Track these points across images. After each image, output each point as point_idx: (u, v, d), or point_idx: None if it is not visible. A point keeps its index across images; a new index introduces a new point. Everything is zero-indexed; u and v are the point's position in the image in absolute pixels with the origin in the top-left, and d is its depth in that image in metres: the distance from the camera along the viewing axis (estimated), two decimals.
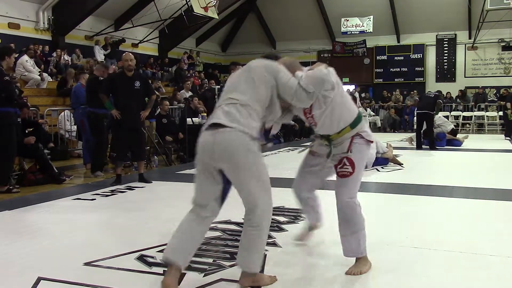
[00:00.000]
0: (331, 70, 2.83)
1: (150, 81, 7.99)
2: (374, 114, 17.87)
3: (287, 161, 8.28)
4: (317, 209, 3.35)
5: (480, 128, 17.19)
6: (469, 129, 16.82)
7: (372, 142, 3.01)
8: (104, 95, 6.24)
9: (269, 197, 2.59)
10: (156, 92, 10.28)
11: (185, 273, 2.89)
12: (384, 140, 12.05)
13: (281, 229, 3.92)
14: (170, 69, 16.94)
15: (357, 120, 2.91)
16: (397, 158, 8.50)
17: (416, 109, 11.48)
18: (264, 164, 2.57)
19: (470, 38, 18.97)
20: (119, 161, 6.35)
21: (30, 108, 8.45)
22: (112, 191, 5.81)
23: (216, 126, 2.47)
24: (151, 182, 6.26)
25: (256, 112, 2.54)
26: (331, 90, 2.77)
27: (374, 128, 17.11)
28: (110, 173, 7.17)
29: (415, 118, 16.05)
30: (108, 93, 6.24)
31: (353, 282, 2.81)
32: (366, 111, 17.25)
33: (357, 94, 17.43)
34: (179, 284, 2.61)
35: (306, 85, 2.65)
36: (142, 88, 6.24)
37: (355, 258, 2.95)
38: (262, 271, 2.95)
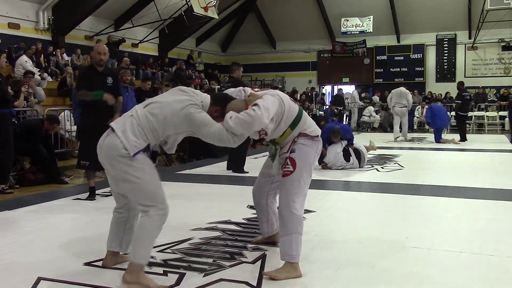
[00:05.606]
0: (271, 96, 2.89)
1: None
2: (376, 114, 17.54)
3: None
4: (272, 220, 3.35)
5: (480, 128, 17.19)
6: (469, 129, 16.81)
7: (317, 136, 3.05)
8: (84, 91, 5.25)
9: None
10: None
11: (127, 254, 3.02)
12: (385, 140, 12.13)
13: None
14: (170, 69, 16.93)
15: (297, 119, 2.99)
16: (396, 158, 8.56)
17: (459, 111, 12.50)
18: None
19: (470, 38, 18.95)
20: (91, 172, 5.42)
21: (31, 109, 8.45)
22: None
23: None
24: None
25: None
26: (269, 125, 2.84)
27: (373, 128, 17.12)
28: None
29: (415, 116, 16.20)
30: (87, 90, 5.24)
31: (353, 283, 2.81)
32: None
33: (356, 93, 17.44)
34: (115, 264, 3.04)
35: (233, 127, 2.73)
36: (114, 85, 5.39)
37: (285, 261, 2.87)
38: (262, 270, 2.96)
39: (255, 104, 2.79)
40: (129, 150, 2.68)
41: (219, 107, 2.88)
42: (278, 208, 2.97)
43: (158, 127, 2.75)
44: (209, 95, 2.96)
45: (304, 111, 3.12)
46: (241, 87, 3.16)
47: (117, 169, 2.73)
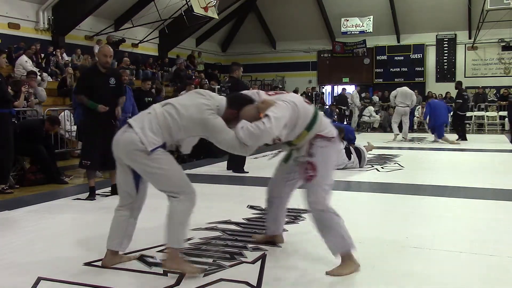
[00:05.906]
0: (283, 102, 2.87)
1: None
2: (376, 114, 17.50)
3: None
4: (280, 220, 3.40)
5: (480, 128, 17.20)
6: (469, 129, 16.83)
7: (333, 137, 3.04)
8: (83, 96, 5.26)
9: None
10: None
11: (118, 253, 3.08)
12: (385, 140, 12.14)
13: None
14: (170, 69, 16.94)
15: (312, 121, 2.96)
16: (396, 158, 8.58)
17: (458, 111, 12.52)
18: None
19: (470, 38, 18.95)
20: (92, 171, 5.47)
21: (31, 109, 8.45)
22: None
23: None
24: None
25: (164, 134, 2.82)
26: (282, 132, 2.85)
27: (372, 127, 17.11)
28: (107, 173, 7.14)
29: (415, 116, 16.20)
30: (86, 93, 5.26)
31: (353, 282, 2.81)
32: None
33: (355, 93, 17.43)
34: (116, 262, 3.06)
35: (243, 139, 2.75)
36: (117, 86, 5.41)
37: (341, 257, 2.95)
38: (262, 270, 2.96)
39: (266, 115, 2.76)
40: (147, 146, 2.73)
41: (236, 110, 2.89)
42: (309, 212, 3.02)
43: (174, 127, 2.80)
44: (225, 98, 2.96)
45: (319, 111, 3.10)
46: (255, 91, 3.14)
47: (137, 163, 2.79)
